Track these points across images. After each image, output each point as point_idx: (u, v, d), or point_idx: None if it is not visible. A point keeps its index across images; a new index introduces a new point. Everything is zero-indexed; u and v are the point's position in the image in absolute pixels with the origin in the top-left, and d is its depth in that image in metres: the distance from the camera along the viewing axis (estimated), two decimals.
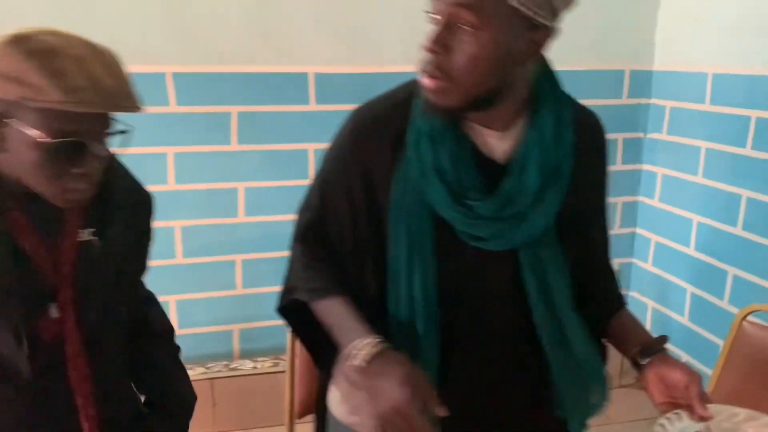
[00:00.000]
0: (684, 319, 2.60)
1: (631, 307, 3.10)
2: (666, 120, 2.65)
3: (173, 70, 2.26)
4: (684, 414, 1.00)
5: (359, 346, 0.90)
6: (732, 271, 2.35)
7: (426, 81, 0.93)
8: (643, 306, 2.86)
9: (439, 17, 0.90)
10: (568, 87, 2.93)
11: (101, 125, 0.94)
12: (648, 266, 2.81)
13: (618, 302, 1.22)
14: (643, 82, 2.70)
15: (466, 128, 1.01)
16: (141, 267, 1.24)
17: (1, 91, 0.88)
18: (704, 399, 0.99)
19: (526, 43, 0.92)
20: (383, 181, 1.01)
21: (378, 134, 1.03)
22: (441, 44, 0.89)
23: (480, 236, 0.99)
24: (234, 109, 2.32)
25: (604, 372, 1.12)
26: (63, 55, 0.87)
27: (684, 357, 2.61)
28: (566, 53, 2.60)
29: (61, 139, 0.89)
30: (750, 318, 1.70)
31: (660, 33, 2.65)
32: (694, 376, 1.01)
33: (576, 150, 1.03)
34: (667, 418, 0.99)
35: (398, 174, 1.01)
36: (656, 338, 1.10)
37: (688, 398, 0.99)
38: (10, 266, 0.98)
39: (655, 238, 2.77)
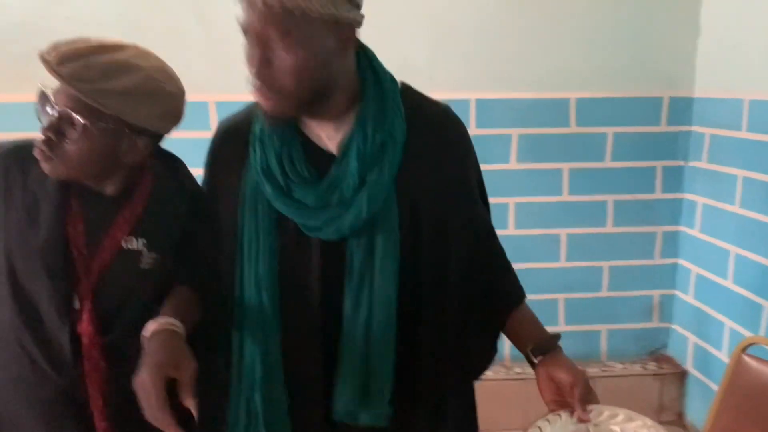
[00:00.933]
0: (723, 355, 2.48)
1: (672, 342, 2.99)
2: (706, 147, 2.57)
3: (216, 99, 2.46)
4: (565, 415, 1.01)
5: (153, 323, 1.01)
6: (767, 305, 2.24)
7: (258, 98, 0.99)
8: (684, 340, 2.75)
9: (251, 34, 0.94)
10: (607, 113, 2.90)
11: (60, 85, 1.04)
12: (690, 299, 2.71)
13: (515, 297, 1.20)
14: (683, 108, 2.64)
15: (300, 124, 1.07)
16: None
17: None
18: (587, 400, 1.00)
19: (336, 41, 0.97)
20: (237, 186, 1.09)
21: (229, 144, 1.12)
22: (262, 62, 0.94)
23: (314, 226, 1.03)
24: None
25: (388, 378, 1.07)
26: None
27: None
28: (604, 80, 2.62)
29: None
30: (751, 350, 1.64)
31: (700, 59, 2.59)
32: (579, 377, 1.01)
33: (412, 139, 1.05)
34: (547, 420, 1.00)
35: (243, 176, 1.08)
36: (550, 336, 1.11)
37: (572, 399, 1.00)
38: (55, 249, 1.08)
39: (696, 269, 2.67)
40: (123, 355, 1.10)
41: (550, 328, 2.92)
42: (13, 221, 1.10)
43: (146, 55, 1.13)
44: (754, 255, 2.30)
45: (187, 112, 1.22)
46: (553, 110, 2.62)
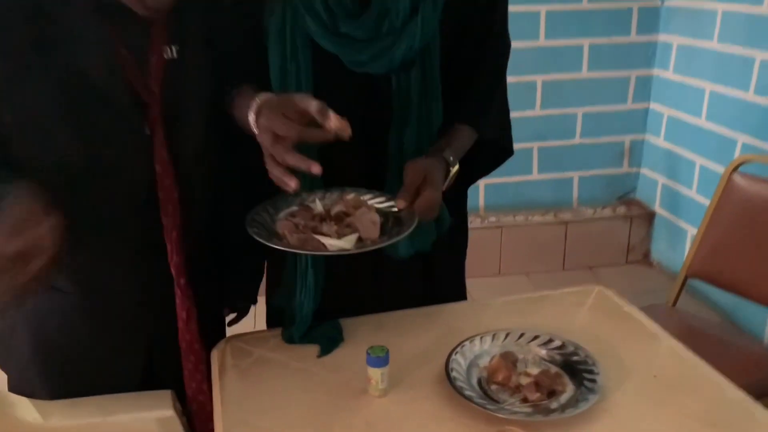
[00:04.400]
0: (693, 193, 2.57)
1: (642, 185, 3.07)
2: None
3: None
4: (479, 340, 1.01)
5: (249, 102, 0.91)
6: (741, 138, 2.29)
7: None
8: (653, 183, 2.83)
9: None
10: None
11: None
12: (660, 141, 2.76)
13: (479, 122, 1.13)
14: None
15: None
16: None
17: None
18: (413, 183, 0.96)
19: None
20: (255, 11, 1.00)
21: None
22: None
23: (362, 60, 0.98)
24: None
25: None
26: None
27: (692, 231, 2.60)
28: None
29: None
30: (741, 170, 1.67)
31: None
32: (416, 168, 0.97)
33: None
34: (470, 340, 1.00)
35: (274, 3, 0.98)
36: (445, 152, 1.04)
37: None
38: (111, 71, 0.96)
39: (668, 111, 2.69)
40: (191, 183, 1.05)
41: (524, 177, 2.96)
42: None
43: None
44: (730, 89, 2.32)
45: None
46: None
